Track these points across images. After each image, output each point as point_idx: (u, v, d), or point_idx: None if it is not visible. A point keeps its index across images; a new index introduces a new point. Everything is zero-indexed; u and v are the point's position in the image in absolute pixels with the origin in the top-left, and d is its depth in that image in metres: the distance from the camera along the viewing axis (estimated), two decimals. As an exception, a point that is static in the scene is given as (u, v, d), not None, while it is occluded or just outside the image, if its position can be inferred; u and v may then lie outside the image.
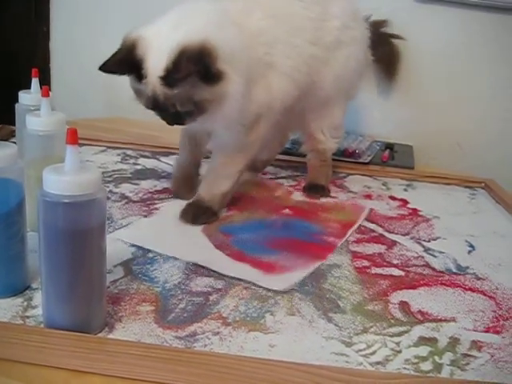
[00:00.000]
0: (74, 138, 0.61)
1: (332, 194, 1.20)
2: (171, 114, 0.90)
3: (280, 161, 1.35)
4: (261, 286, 0.81)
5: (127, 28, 1.76)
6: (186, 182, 1.10)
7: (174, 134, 1.52)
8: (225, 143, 1.01)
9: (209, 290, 0.79)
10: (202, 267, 0.84)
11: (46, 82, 1.71)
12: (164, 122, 0.93)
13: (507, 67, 1.61)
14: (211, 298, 0.77)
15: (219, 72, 0.86)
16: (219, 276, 0.82)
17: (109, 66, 0.89)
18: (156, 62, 0.85)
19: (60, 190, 0.60)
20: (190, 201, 1.03)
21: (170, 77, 0.84)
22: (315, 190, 1.21)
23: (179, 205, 1.03)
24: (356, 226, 1.04)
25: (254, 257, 0.89)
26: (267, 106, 1.01)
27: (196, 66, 0.84)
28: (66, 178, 0.61)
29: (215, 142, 1.03)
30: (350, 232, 1.01)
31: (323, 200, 1.16)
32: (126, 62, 0.88)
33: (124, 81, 1.62)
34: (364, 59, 1.22)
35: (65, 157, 0.62)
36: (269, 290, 0.80)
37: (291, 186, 1.24)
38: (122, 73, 0.90)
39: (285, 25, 1.02)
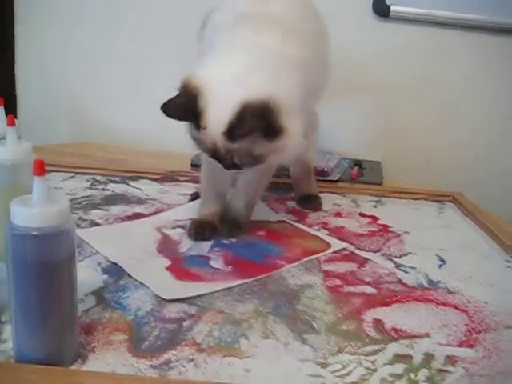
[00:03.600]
0: (40, 169, 0.60)
1: (302, 214, 1.21)
2: (230, 164, 0.92)
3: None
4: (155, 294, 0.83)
5: (94, 54, 1.77)
6: (207, 228, 1.06)
7: (141, 158, 1.52)
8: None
9: (182, 315, 0.78)
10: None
11: (12, 107, 1.69)
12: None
13: (476, 84, 1.65)
14: (184, 324, 0.76)
15: (280, 128, 0.88)
16: (192, 301, 0.82)
17: (170, 109, 0.88)
18: (218, 116, 0.87)
19: (28, 223, 0.60)
20: (231, 217, 1.07)
21: (233, 132, 0.86)
22: (310, 201, 1.27)
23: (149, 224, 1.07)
24: (316, 256, 1.00)
25: (185, 267, 0.92)
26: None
27: (259, 124, 0.85)
28: (33, 210, 0.60)
29: None
30: (304, 259, 0.99)
31: (312, 231, 1.13)
32: (187, 110, 0.89)
33: (91, 105, 1.61)
34: None
35: (32, 187, 0.61)
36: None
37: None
38: (181, 119, 0.90)
39: (309, 44, 1.02)
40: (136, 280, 0.86)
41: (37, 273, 0.61)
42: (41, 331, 0.64)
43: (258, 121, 0.85)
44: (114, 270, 0.89)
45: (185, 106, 0.89)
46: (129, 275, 0.88)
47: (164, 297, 0.82)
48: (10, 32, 1.77)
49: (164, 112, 0.88)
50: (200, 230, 1.04)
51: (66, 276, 0.64)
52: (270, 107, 0.86)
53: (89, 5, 1.73)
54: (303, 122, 0.94)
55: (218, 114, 0.87)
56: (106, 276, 0.87)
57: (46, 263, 0.62)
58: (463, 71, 1.64)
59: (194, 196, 1.20)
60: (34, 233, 0.60)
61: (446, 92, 1.66)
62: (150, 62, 1.71)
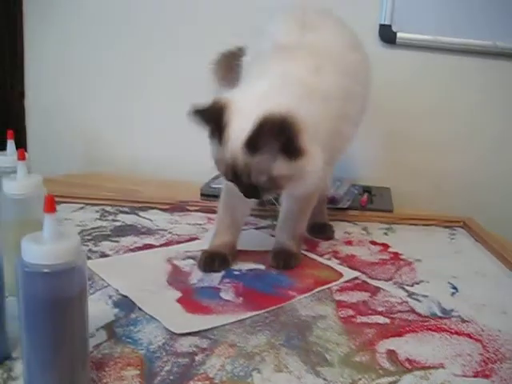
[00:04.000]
0: (51, 206, 0.60)
1: (312, 243, 1.20)
2: (248, 187, 0.93)
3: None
4: (166, 327, 0.82)
5: (103, 83, 1.79)
6: (218, 258, 1.05)
7: (150, 188, 1.52)
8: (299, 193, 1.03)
9: (194, 349, 0.77)
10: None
11: (21, 138, 1.70)
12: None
13: (483, 108, 1.65)
14: (197, 358, 0.75)
15: (301, 149, 0.89)
16: (204, 334, 0.81)
17: (197, 114, 0.91)
18: (240, 128, 0.89)
19: (39, 260, 0.59)
20: (277, 249, 1.08)
21: (252, 143, 0.88)
22: (323, 229, 1.26)
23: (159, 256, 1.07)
24: (328, 286, 1.00)
25: (196, 299, 0.92)
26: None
27: (277, 137, 0.87)
28: (44, 248, 0.60)
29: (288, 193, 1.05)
30: (316, 290, 0.98)
31: (324, 260, 1.12)
32: (213, 120, 0.91)
33: (100, 135, 1.62)
34: None
35: (43, 220, 0.61)
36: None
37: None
38: (203, 124, 0.92)
39: (347, 74, 1.05)
40: (147, 313, 0.86)
41: (48, 309, 0.61)
42: (52, 368, 0.63)
43: (276, 134, 0.87)
44: (125, 303, 0.89)
45: (211, 115, 0.92)
46: (139, 308, 0.87)
47: (175, 331, 0.81)
48: (20, 67, 1.79)
49: (192, 115, 0.91)
50: (210, 260, 1.04)
51: (78, 312, 0.64)
52: (289, 121, 0.87)
53: (97, 32, 1.75)
54: (324, 151, 0.94)
55: (240, 126, 0.89)
56: (117, 309, 0.87)
57: (58, 300, 0.61)
58: (469, 96, 1.65)
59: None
60: (46, 270, 0.60)
61: (453, 117, 1.66)
62: (160, 93, 1.72)
